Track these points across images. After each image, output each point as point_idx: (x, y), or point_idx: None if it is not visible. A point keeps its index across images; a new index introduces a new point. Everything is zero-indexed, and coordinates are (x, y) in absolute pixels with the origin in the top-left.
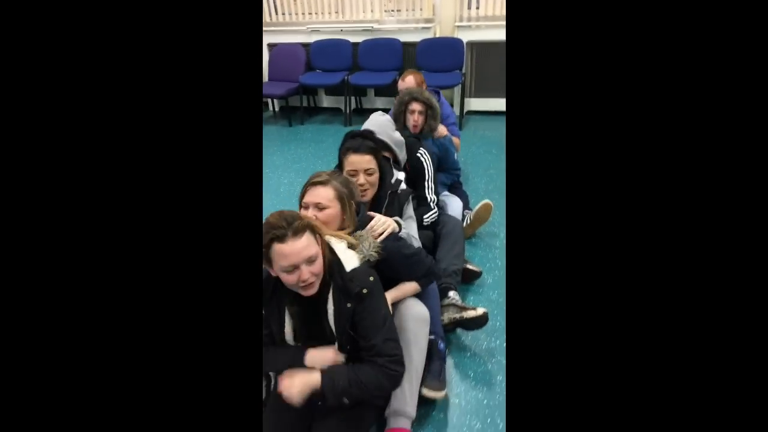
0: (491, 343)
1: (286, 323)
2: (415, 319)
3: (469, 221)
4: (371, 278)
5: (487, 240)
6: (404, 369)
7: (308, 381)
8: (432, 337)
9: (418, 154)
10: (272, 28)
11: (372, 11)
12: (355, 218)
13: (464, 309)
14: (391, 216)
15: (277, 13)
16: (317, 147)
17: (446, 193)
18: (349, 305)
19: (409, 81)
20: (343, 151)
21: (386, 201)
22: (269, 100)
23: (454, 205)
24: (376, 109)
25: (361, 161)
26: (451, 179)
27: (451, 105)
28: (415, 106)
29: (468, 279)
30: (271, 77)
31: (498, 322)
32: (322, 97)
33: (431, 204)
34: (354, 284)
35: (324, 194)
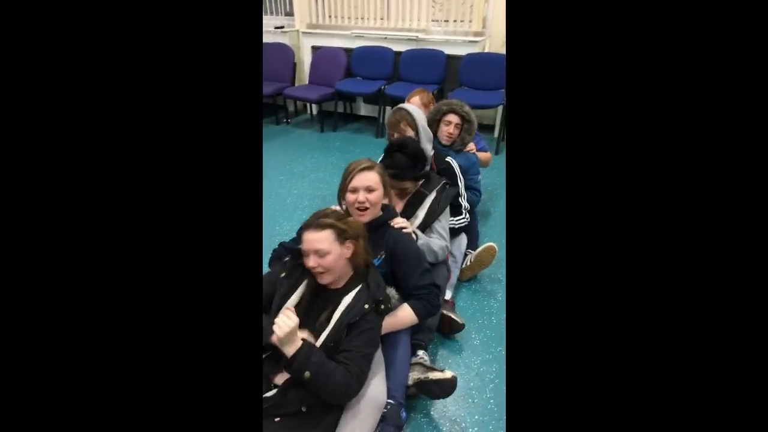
0: (464, 422)
1: (296, 292)
2: (369, 401)
3: (469, 263)
4: (391, 305)
5: (489, 287)
6: (361, 388)
7: (293, 333)
8: (391, 402)
9: (448, 159)
10: (318, 31)
11: (419, 20)
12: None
13: (431, 369)
14: (434, 211)
15: (324, 16)
16: (341, 157)
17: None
18: (366, 306)
19: (415, 100)
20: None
21: (434, 197)
22: (308, 104)
23: (456, 243)
24: None
25: (397, 184)
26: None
27: (492, 124)
28: (452, 118)
29: (447, 330)
30: (311, 80)
31: (474, 396)
32: (359, 104)
33: (464, 211)
34: (380, 292)
35: (372, 178)
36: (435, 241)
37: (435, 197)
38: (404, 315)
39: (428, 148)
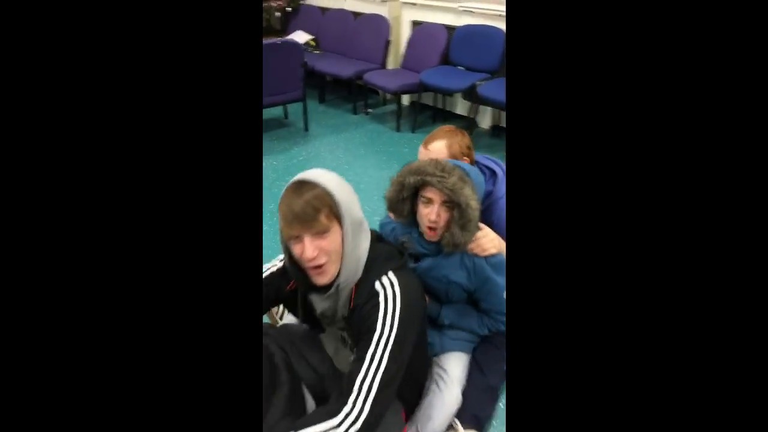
0: None
1: None
2: None
3: None
4: None
5: None
6: None
7: None
8: None
9: (378, 286)
10: (426, 2)
11: None
12: None
13: None
14: None
15: None
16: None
17: (457, 355)
18: None
19: (437, 150)
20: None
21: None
22: None
23: (444, 399)
24: None
25: None
26: (485, 328)
27: None
28: (431, 195)
29: None
30: (405, 64)
31: None
32: (456, 99)
33: (350, 412)
34: None
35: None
36: None
37: None
38: None
39: (357, 267)
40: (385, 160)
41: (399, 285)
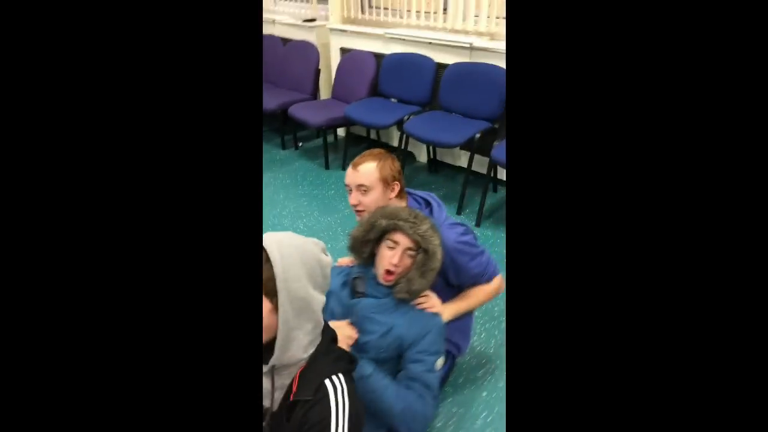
0: None
1: None
2: None
3: None
4: None
5: None
6: None
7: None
8: None
9: (329, 384)
10: (348, 27)
11: (476, 17)
12: None
13: None
14: None
15: (371, 7)
16: (314, 220)
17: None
18: None
19: (367, 172)
20: None
21: None
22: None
23: None
24: (463, 169)
25: None
26: (401, 404)
27: None
28: (400, 239)
29: None
30: (335, 94)
31: None
32: (392, 132)
33: None
34: None
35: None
36: None
37: None
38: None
39: (293, 345)
40: (306, 206)
41: (348, 392)
